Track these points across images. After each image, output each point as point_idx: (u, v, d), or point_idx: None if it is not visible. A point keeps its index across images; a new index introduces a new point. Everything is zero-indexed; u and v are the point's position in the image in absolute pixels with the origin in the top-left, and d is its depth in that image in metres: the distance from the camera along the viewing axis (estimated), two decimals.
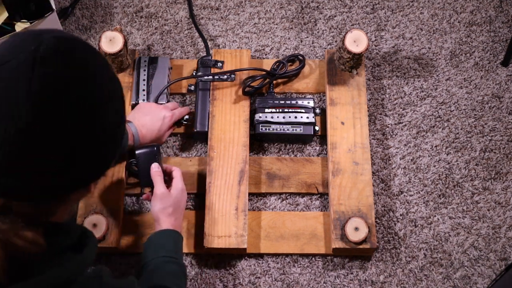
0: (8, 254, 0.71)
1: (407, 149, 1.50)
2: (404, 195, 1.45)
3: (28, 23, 1.46)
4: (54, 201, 0.79)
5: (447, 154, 1.49)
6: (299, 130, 1.45)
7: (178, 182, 1.27)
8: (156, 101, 1.44)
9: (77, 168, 0.76)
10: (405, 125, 1.52)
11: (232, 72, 1.48)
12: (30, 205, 0.76)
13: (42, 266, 0.76)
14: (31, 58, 0.71)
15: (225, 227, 1.34)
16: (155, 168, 1.27)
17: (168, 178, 1.29)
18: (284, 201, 1.44)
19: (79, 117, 0.73)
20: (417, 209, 1.44)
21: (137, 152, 1.30)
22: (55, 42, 0.73)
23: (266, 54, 1.60)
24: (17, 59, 0.71)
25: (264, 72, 1.49)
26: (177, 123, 1.46)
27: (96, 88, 0.76)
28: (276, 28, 1.64)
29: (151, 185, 1.28)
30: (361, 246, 1.33)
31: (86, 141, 0.75)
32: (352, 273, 1.37)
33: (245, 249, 1.34)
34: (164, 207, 1.23)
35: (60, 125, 0.72)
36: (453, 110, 1.54)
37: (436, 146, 1.50)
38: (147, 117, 1.36)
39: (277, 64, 1.52)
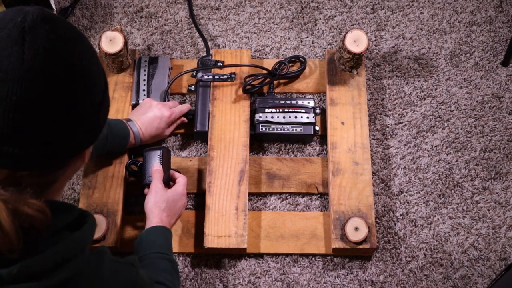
0: (20, 223, 0.72)
1: (407, 149, 1.50)
2: (404, 195, 1.45)
3: None
4: (53, 169, 0.80)
5: (447, 154, 1.49)
6: (299, 130, 1.45)
7: (179, 186, 1.31)
8: (164, 100, 1.45)
9: (75, 131, 0.77)
10: (405, 125, 1.52)
11: (234, 66, 1.48)
12: (33, 175, 0.77)
13: (45, 243, 0.77)
14: (20, 28, 0.73)
15: (225, 227, 1.34)
16: (156, 166, 1.31)
17: (173, 183, 1.33)
18: (284, 201, 1.44)
19: (73, 78, 0.75)
20: (417, 209, 1.44)
21: (144, 151, 1.35)
22: (39, 11, 0.75)
23: (266, 54, 1.60)
24: (5, 30, 0.73)
25: (265, 72, 1.49)
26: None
27: (85, 49, 0.78)
28: (276, 28, 1.64)
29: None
30: (361, 246, 1.33)
31: (82, 102, 0.77)
32: (352, 273, 1.37)
33: (245, 249, 1.34)
34: (157, 201, 1.25)
35: (56, 87, 0.74)
36: (453, 110, 1.54)
37: (436, 146, 1.50)
38: (146, 115, 1.38)
39: (278, 64, 1.52)
